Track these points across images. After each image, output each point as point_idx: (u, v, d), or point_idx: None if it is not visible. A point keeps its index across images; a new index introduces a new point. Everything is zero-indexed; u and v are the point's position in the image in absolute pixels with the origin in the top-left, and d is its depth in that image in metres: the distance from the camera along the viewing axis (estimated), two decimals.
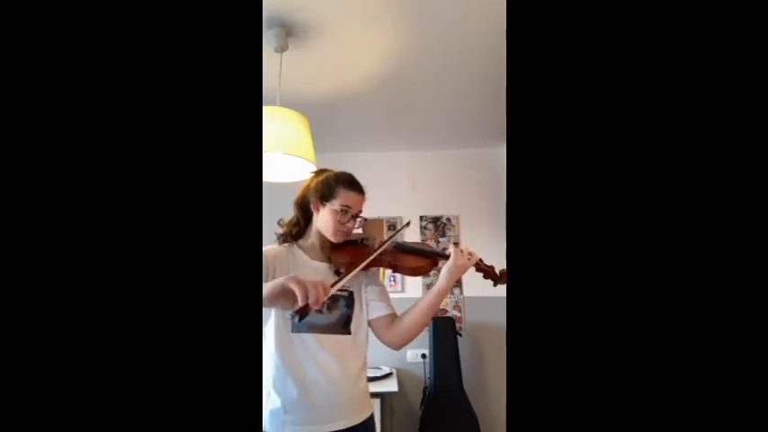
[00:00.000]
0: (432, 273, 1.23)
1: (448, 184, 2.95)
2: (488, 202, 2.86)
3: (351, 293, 1.12)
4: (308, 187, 1.16)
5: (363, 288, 1.16)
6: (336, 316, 1.08)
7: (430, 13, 1.62)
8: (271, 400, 1.03)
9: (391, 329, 1.13)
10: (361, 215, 1.14)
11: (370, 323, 1.16)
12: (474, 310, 2.79)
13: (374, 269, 1.21)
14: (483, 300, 2.75)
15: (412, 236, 2.85)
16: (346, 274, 0.96)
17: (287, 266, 1.07)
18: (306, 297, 0.78)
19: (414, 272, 1.19)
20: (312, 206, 1.13)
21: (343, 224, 1.10)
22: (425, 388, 2.57)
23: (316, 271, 1.10)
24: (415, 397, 2.62)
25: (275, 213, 1.19)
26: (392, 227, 2.88)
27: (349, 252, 1.14)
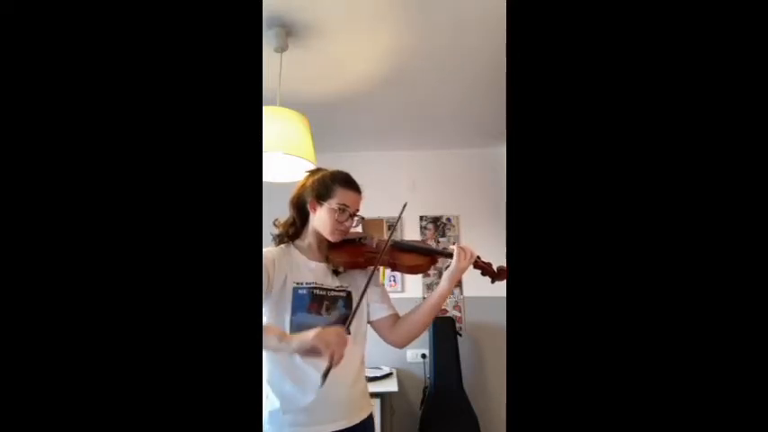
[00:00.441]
0: (432, 273, 1.23)
1: (448, 184, 2.95)
2: (488, 202, 2.85)
3: (349, 294, 1.12)
4: (303, 187, 1.16)
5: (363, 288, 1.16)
6: (335, 317, 1.08)
7: (430, 14, 1.62)
8: (269, 402, 1.03)
9: (395, 330, 1.14)
10: (358, 213, 1.13)
11: (372, 324, 1.16)
12: (474, 310, 2.79)
13: (372, 269, 1.20)
14: (483, 300, 2.74)
15: (412, 235, 2.85)
16: (353, 314, 1.00)
17: (285, 268, 1.07)
18: (332, 358, 0.87)
19: (412, 270, 1.19)
20: (308, 206, 1.12)
21: (340, 223, 1.09)
22: (425, 388, 2.56)
23: (314, 271, 1.10)
24: (415, 397, 2.62)
25: (275, 213, 1.19)
26: (392, 227, 2.88)
27: (347, 251, 1.13)
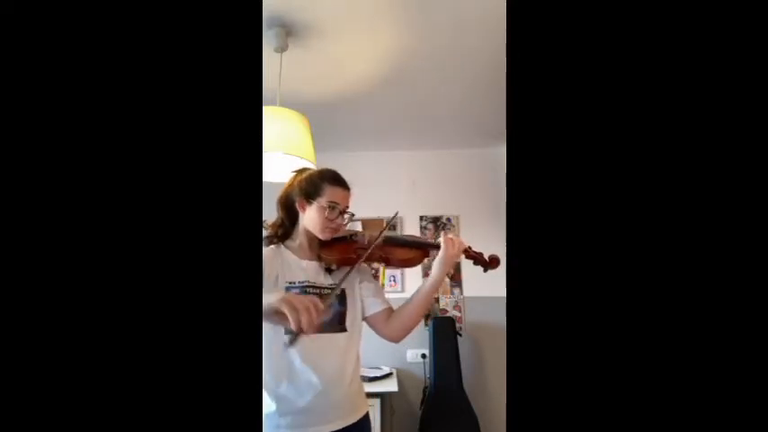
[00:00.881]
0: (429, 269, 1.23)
1: (448, 184, 2.95)
2: (488, 202, 2.85)
3: (343, 290, 1.11)
4: (290, 186, 1.15)
5: (357, 284, 1.15)
6: (330, 314, 1.06)
7: (430, 13, 1.62)
8: (265, 405, 1.02)
9: (390, 324, 1.13)
10: (348, 210, 1.13)
11: (367, 320, 1.15)
12: (474, 310, 2.79)
13: (365, 265, 1.20)
14: (483, 300, 2.74)
15: (412, 234, 2.85)
16: (338, 281, 0.97)
17: (277, 268, 1.06)
18: (298, 322, 0.76)
19: (405, 263, 1.19)
20: (297, 205, 1.12)
21: (331, 221, 1.09)
22: (425, 388, 2.56)
23: (306, 270, 1.09)
24: (415, 397, 2.62)
25: (275, 213, 1.19)
26: (392, 227, 2.88)
27: (339, 249, 1.12)
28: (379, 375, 2.37)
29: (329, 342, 1.05)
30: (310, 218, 1.10)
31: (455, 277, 2.83)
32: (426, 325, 2.71)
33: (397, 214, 1.21)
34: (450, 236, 1.12)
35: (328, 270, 1.12)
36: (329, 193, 1.09)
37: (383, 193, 2.90)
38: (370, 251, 1.08)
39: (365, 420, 1.10)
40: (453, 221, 2.92)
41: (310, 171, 1.17)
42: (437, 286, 1.10)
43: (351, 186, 1.15)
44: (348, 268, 1.12)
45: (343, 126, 2.59)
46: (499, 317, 2.69)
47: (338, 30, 1.71)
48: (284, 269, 1.06)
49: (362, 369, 2.43)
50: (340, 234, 1.15)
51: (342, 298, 1.10)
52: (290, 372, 1.01)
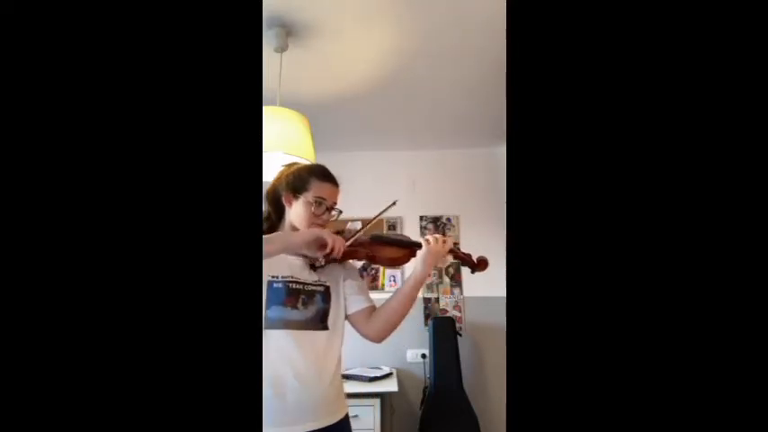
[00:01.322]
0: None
1: (448, 184, 2.95)
2: (488, 202, 2.85)
3: (327, 288, 1.09)
4: (278, 180, 1.14)
5: (341, 282, 1.13)
6: (312, 311, 1.05)
7: (430, 13, 1.62)
8: None
9: (371, 322, 1.10)
10: (336, 207, 1.11)
11: (349, 317, 1.13)
12: (474, 310, 2.78)
13: (351, 262, 1.18)
14: (483, 300, 2.74)
15: (412, 235, 2.84)
16: (363, 228, 1.06)
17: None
18: (334, 244, 0.96)
19: (392, 262, 1.18)
20: (284, 199, 1.10)
21: (317, 216, 1.07)
22: (425, 388, 2.56)
23: (291, 265, 1.07)
24: (415, 397, 2.62)
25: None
26: (392, 227, 2.88)
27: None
28: (379, 375, 2.37)
29: (309, 340, 1.02)
30: (296, 213, 1.09)
31: (455, 277, 2.83)
32: (426, 325, 2.71)
33: (395, 203, 1.20)
34: (435, 235, 1.10)
35: (313, 267, 1.09)
36: (316, 188, 1.08)
37: (383, 193, 2.90)
38: (353, 240, 1.07)
39: (345, 422, 1.07)
40: (453, 221, 2.92)
41: (298, 165, 1.15)
42: (420, 284, 1.08)
43: (340, 182, 1.13)
44: (335, 265, 1.10)
45: (343, 126, 2.59)
46: (499, 317, 2.69)
47: (338, 30, 1.71)
48: (269, 263, 1.02)
49: (362, 369, 2.45)
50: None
51: (326, 295, 1.08)
52: (267, 368, 0.97)
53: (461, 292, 2.82)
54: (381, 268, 2.80)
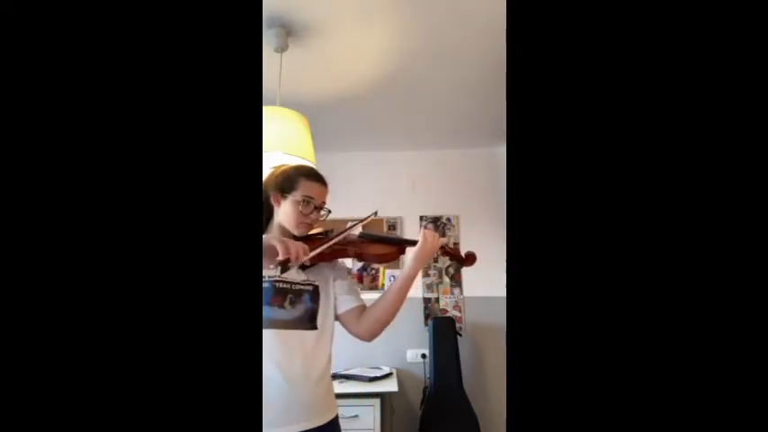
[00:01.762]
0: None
1: (448, 184, 2.95)
2: (488, 202, 2.85)
3: (316, 287, 1.08)
4: (267, 180, 1.13)
5: (331, 282, 1.13)
6: (301, 311, 1.04)
7: (430, 13, 1.62)
8: None
9: (361, 321, 1.10)
10: (324, 207, 1.11)
11: (339, 317, 1.12)
12: (474, 310, 2.78)
13: (341, 262, 1.18)
14: (483, 300, 2.74)
15: (412, 235, 2.84)
16: (327, 242, 0.99)
17: None
18: (287, 251, 0.89)
19: (380, 259, 1.18)
20: (272, 199, 1.10)
21: (305, 216, 1.07)
22: (425, 388, 2.56)
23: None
24: (415, 397, 2.62)
25: None
26: (392, 227, 2.88)
27: (313, 245, 1.08)
28: (379, 375, 2.37)
29: (297, 340, 1.02)
30: (285, 212, 1.08)
31: (455, 277, 2.83)
32: (426, 325, 2.71)
33: (376, 213, 1.21)
34: (428, 230, 1.11)
35: (302, 266, 1.08)
36: (304, 188, 1.08)
37: (383, 193, 2.90)
38: (338, 239, 1.06)
39: (334, 423, 1.06)
40: (453, 221, 2.92)
41: (287, 165, 1.15)
42: (410, 281, 1.07)
43: (331, 183, 1.13)
44: (324, 265, 1.10)
45: (343, 126, 2.59)
46: (499, 317, 2.69)
47: (338, 30, 1.71)
48: None
49: (362, 369, 2.45)
50: (315, 231, 1.13)
51: (314, 295, 1.08)
52: None
53: (461, 292, 2.82)
54: (381, 268, 2.80)
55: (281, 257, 0.88)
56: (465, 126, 2.65)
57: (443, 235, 2.89)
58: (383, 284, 2.80)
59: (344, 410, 2.04)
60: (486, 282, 2.67)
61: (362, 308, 1.13)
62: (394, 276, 2.81)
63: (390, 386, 2.26)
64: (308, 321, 1.05)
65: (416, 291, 2.81)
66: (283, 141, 1.57)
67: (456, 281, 2.83)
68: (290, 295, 1.04)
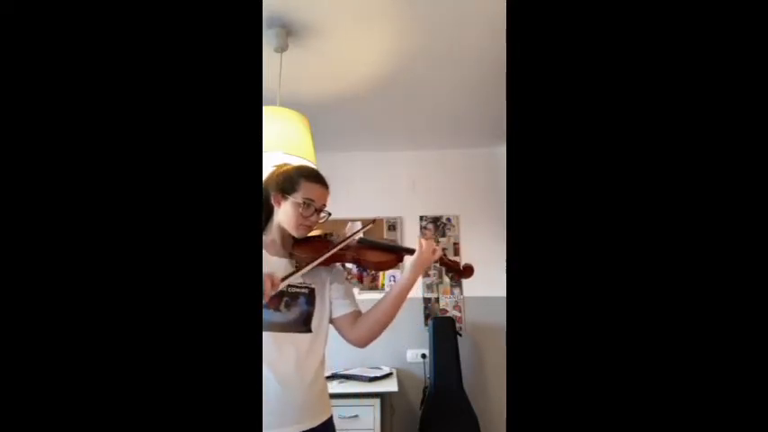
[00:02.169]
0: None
1: (448, 184, 2.95)
2: (488, 202, 2.85)
3: (312, 290, 1.08)
4: (267, 180, 1.13)
5: (327, 285, 1.12)
6: (296, 314, 1.04)
7: (430, 13, 1.62)
8: None
9: (356, 327, 1.09)
10: (325, 209, 1.10)
11: (333, 321, 1.12)
12: (474, 310, 2.78)
13: (338, 266, 1.18)
14: (483, 300, 2.74)
15: (412, 236, 2.85)
16: (300, 269, 0.96)
17: None
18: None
19: (378, 266, 1.18)
20: (273, 200, 1.09)
21: (306, 218, 1.06)
22: (425, 388, 2.56)
23: (274, 267, 1.05)
24: (415, 397, 2.62)
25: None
26: (392, 227, 2.88)
27: (312, 247, 1.10)
28: (379, 375, 2.37)
29: (290, 342, 1.02)
30: (285, 213, 1.08)
31: (455, 277, 2.83)
32: (426, 325, 2.71)
33: (374, 221, 1.20)
34: (429, 240, 1.09)
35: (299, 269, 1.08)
36: (305, 190, 1.07)
37: (383, 193, 2.90)
38: (338, 248, 1.06)
39: (328, 424, 1.06)
40: (453, 221, 2.92)
41: (288, 166, 1.15)
42: (408, 289, 1.07)
43: (332, 184, 1.12)
44: (321, 268, 1.08)
45: (343, 126, 2.59)
46: (499, 317, 2.69)
47: (338, 30, 1.71)
48: None
49: (362, 369, 2.45)
50: (314, 233, 1.12)
51: (310, 298, 1.07)
52: None
53: (461, 292, 2.82)
54: (382, 272, 2.80)
55: None
56: (465, 126, 2.65)
57: (443, 235, 2.89)
58: (383, 285, 2.80)
59: (344, 410, 2.04)
60: (486, 282, 2.66)
61: (357, 314, 1.12)
62: (394, 277, 2.81)
63: (390, 386, 2.26)
64: (303, 324, 1.05)
65: (416, 291, 2.81)
66: (283, 141, 1.57)
67: (456, 281, 2.83)
68: (285, 298, 1.04)
